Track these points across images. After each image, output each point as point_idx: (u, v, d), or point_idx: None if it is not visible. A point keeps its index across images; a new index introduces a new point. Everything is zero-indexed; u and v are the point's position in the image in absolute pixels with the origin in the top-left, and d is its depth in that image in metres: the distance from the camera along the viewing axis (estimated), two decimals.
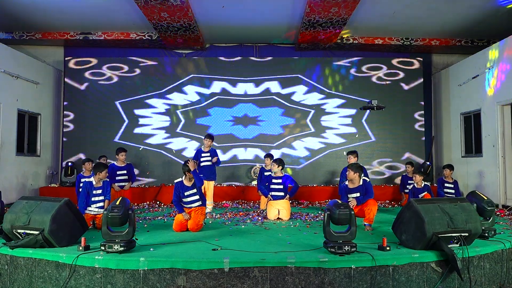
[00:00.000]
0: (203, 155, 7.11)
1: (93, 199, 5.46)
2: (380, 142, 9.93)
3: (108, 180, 5.67)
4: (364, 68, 10.10)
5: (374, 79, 10.07)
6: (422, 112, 10.05)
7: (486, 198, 4.59)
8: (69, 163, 9.22)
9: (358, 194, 5.48)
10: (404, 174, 8.57)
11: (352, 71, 10.10)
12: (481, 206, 4.48)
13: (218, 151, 7.68)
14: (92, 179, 5.56)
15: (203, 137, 7.25)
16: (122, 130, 9.88)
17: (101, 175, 5.51)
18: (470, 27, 9.03)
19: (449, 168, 7.53)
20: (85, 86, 9.94)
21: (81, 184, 6.64)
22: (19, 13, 8.41)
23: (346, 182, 5.66)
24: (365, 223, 5.35)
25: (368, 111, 9.75)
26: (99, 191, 5.48)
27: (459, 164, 8.99)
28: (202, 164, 7.01)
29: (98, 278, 3.62)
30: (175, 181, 5.40)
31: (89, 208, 5.44)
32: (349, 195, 5.51)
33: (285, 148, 9.93)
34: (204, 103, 9.99)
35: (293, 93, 10.04)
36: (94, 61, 9.99)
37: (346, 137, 9.94)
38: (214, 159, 7.04)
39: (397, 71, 10.09)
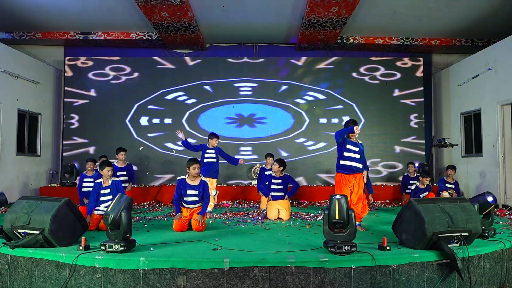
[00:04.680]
0: (207, 151, 7.10)
1: (101, 198, 5.43)
2: (380, 142, 9.93)
3: (118, 179, 5.63)
4: (364, 68, 10.10)
5: (374, 79, 10.07)
6: (422, 112, 10.05)
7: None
8: (68, 167, 9.17)
9: (358, 149, 5.30)
10: (405, 174, 8.55)
11: (352, 70, 10.10)
12: (483, 201, 4.49)
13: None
14: (101, 179, 5.56)
15: (208, 137, 7.24)
16: (122, 130, 9.89)
17: (102, 173, 5.51)
18: (470, 27, 9.03)
19: (453, 169, 7.60)
20: (85, 86, 9.94)
21: (84, 184, 6.70)
22: (19, 13, 8.41)
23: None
24: (357, 223, 5.29)
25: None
26: (107, 190, 5.46)
27: (459, 164, 8.99)
28: (205, 160, 7.01)
29: (98, 278, 3.62)
30: (178, 178, 5.39)
31: (98, 208, 5.43)
32: (349, 146, 5.28)
33: (284, 148, 9.94)
34: (204, 103, 9.99)
35: (293, 93, 10.05)
36: (94, 61, 10.00)
37: None
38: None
39: (397, 71, 10.10)
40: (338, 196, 3.84)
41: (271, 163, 7.51)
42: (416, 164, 9.06)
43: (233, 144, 9.87)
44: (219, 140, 7.37)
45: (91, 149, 9.72)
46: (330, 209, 3.84)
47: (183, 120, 9.92)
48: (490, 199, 4.51)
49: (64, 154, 9.88)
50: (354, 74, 10.08)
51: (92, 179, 6.68)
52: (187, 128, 9.88)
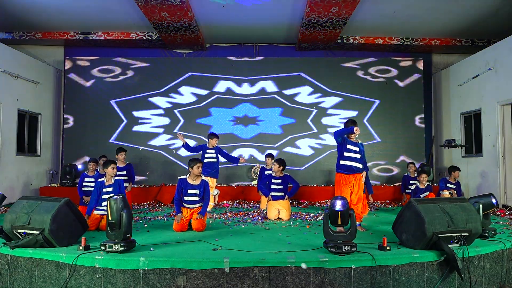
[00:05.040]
0: (208, 151, 7.14)
1: (103, 197, 5.40)
2: (380, 142, 9.92)
3: (121, 179, 5.60)
4: (364, 68, 10.09)
5: (374, 79, 10.06)
6: (422, 112, 10.05)
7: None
8: (67, 167, 9.17)
9: (358, 149, 5.32)
10: (406, 174, 8.55)
11: (352, 71, 10.09)
12: (487, 202, 4.49)
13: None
14: (104, 178, 5.55)
15: (207, 137, 7.27)
16: (122, 130, 9.88)
17: (107, 171, 5.49)
18: (470, 27, 9.03)
19: (459, 170, 7.64)
20: (85, 86, 9.93)
21: (84, 183, 6.71)
22: (19, 13, 8.40)
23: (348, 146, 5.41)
24: (357, 223, 5.28)
25: (370, 112, 9.79)
26: (110, 189, 5.44)
27: (459, 164, 8.97)
28: (205, 160, 7.04)
29: (98, 278, 3.62)
30: (179, 177, 5.40)
31: (99, 207, 5.41)
32: (349, 146, 5.28)
33: (285, 148, 9.93)
34: (204, 103, 9.99)
35: (293, 93, 10.04)
36: (94, 61, 10.00)
37: None
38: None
39: (397, 71, 10.09)
40: (339, 206, 3.82)
41: (270, 163, 7.53)
42: (417, 164, 9.04)
43: (232, 144, 9.87)
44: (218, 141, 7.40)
45: (92, 150, 9.69)
46: (331, 216, 3.85)
47: (183, 121, 9.92)
48: (494, 201, 4.53)
49: (63, 154, 9.89)
50: (353, 74, 10.07)
51: (93, 179, 6.68)
52: (187, 128, 9.89)
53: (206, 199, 5.38)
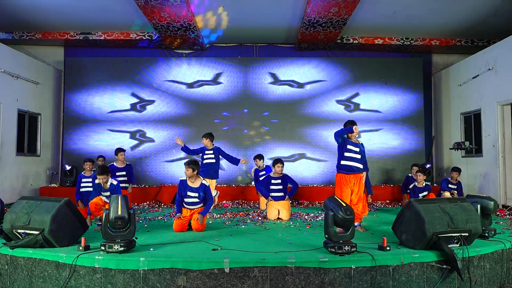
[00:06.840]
0: (206, 152, 7.11)
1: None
2: (380, 142, 9.92)
3: (115, 183, 5.49)
4: (364, 68, 10.09)
5: (374, 79, 10.06)
6: (422, 112, 10.05)
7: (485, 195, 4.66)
8: (66, 166, 9.16)
9: (358, 149, 5.31)
10: (409, 175, 8.53)
11: (352, 71, 10.09)
12: (484, 204, 4.48)
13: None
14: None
15: (202, 137, 7.24)
16: (122, 130, 9.88)
17: (100, 178, 5.38)
18: (470, 27, 9.03)
19: (458, 171, 7.68)
20: (85, 86, 9.92)
21: (82, 184, 6.70)
22: (19, 13, 8.40)
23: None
24: (356, 223, 5.25)
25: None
26: (107, 193, 5.43)
27: (459, 164, 8.98)
28: (205, 161, 7.03)
29: (98, 278, 3.62)
30: (180, 178, 5.40)
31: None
32: (349, 146, 5.28)
33: (285, 148, 9.92)
34: (203, 102, 9.98)
35: (293, 93, 10.04)
36: (94, 61, 9.99)
37: None
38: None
39: (397, 71, 10.08)
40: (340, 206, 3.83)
41: (260, 163, 7.64)
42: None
43: (232, 143, 9.87)
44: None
45: (91, 150, 9.69)
46: (335, 213, 3.84)
47: (183, 121, 9.93)
48: (491, 205, 4.53)
49: (63, 154, 9.90)
50: (354, 75, 10.07)
51: (90, 179, 6.66)
52: (188, 129, 9.89)
53: (210, 201, 5.36)
